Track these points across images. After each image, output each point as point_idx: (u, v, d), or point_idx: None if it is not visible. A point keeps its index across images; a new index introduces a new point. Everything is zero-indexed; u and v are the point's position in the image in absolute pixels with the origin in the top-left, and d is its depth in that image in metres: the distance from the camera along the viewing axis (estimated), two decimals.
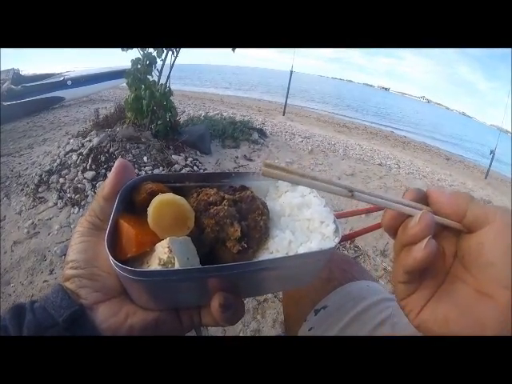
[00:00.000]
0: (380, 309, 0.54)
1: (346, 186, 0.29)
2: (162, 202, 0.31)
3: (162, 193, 0.33)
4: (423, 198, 0.30)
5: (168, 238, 0.30)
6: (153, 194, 0.33)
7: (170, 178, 0.38)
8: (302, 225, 0.37)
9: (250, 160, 3.20)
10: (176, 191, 0.35)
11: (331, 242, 0.34)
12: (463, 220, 0.27)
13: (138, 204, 0.34)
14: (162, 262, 0.29)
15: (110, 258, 0.28)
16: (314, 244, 0.34)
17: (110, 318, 0.30)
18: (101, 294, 0.31)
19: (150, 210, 0.31)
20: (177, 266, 0.29)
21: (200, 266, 0.30)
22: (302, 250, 0.34)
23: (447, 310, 0.27)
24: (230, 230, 0.33)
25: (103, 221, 0.33)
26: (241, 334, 1.36)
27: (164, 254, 0.29)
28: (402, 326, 0.51)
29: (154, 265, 0.29)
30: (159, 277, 0.28)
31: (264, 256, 0.34)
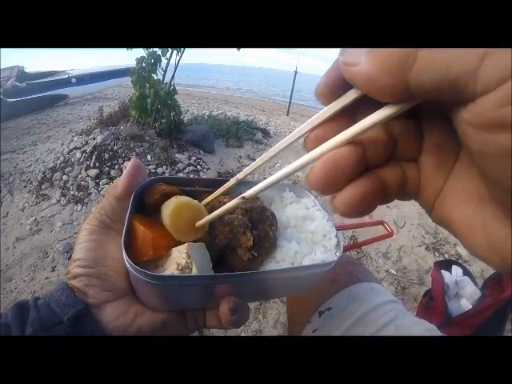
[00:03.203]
0: (384, 311, 0.54)
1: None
2: (180, 204, 0.31)
3: (176, 195, 0.33)
4: (338, 87, 0.20)
5: (186, 244, 0.30)
6: (166, 196, 0.33)
7: (181, 181, 0.38)
8: (306, 237, 0.38)
9: (254, 160, 3.15)
10: (186, 194, 0.35)
11: (333, 255, 0.35)
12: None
13: (149, 205, 0.34)
14: (180, 267, 0.29)
15: (128, 261, 0.28)
16: (317, 256, 0.35)
17: (119, 317, 0.30)
18: (110, 293, 0.31)
19: (168, 210, 0.31)
20: (194, 272, 0.29)
21: (222, 274, 0.30)
22: (306, 262, 0.35)
23: (452, 209, 0.20)
24: (242, 238, 0.33)
25: (114, 220, 0.33)
26: (242, 334, 1.36)
27: (182, 260, 0.29)
28: (406, 328, 0.51)
29: (171, 269, 0.29)
30: (182, 282, 0.29)
31: (271, 265, 0.35)
